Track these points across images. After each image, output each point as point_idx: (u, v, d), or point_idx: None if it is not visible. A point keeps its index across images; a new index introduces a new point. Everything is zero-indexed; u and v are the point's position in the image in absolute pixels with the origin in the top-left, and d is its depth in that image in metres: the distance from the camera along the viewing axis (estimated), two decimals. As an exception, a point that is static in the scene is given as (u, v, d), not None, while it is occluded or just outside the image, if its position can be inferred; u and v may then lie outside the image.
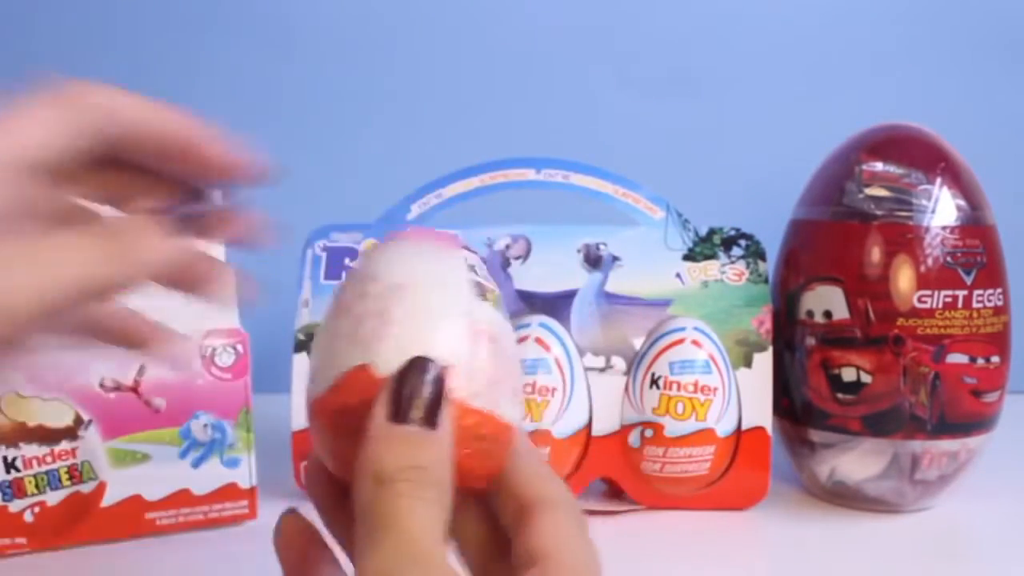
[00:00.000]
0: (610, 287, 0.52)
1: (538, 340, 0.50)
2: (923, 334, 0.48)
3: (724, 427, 0.50)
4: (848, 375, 0.49)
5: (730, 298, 0.52)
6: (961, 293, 0.48)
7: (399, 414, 0.23)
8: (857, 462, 0.50)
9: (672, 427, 0.50)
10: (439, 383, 0.24)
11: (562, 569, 0.23)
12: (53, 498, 0.44)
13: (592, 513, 0.49)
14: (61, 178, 0.27)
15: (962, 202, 0.49)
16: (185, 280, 0.30)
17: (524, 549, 0.24)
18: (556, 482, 0.26)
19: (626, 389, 0.51)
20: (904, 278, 0.48)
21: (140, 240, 0.26)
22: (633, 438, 0.50)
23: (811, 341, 0.50)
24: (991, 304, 0.49)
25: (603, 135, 0.73)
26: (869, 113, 0.53)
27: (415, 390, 0.23)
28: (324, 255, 0.53)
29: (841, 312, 0.49)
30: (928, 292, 0.47)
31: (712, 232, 0.53)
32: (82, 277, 0.25)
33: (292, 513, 0.28)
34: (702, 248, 0.52)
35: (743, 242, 0.52)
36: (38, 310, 0.24)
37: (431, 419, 0.23)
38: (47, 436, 0.44)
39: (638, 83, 0.76)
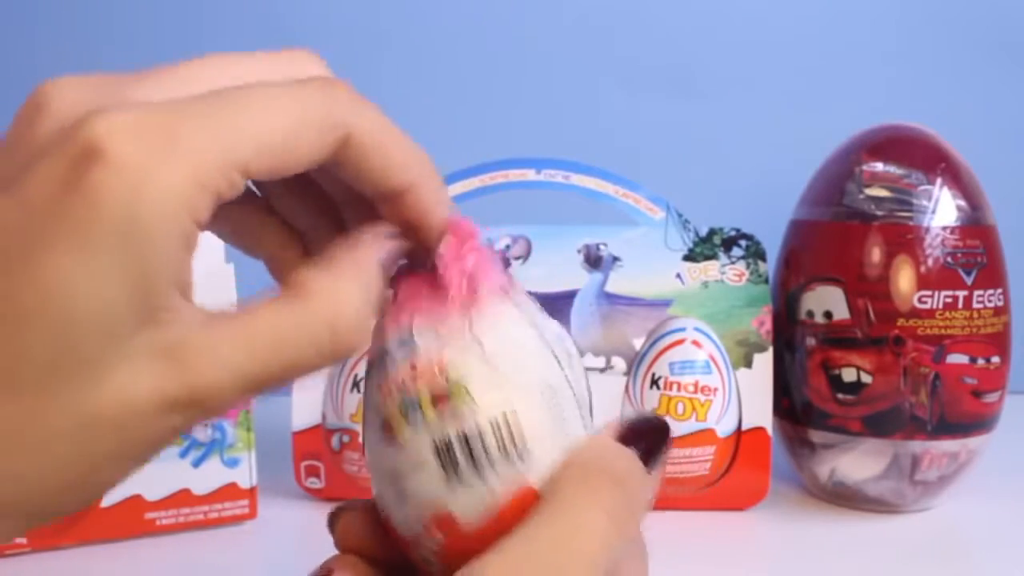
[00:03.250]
0: (610, 287, 0.52)
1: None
2: (923, 334, 0.47)
3: (724, 427, 0.50)
4: (848, 375, 0.49)
5: (730, 298, 0.52)
6: (961, 293, 0.48)
7: (626, 439, 0.23)
8: (857, 462, 0.50)
9: (672, 427, 0.49)
10: (665, 436, 0.24)
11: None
12: (53, 498, 0.44)
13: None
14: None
15: (962, 202, 0.49)
16: None
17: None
18: None
19: (626, 390, 0.51)
20: (904, 278, 0.48)
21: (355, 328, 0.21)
22: (633, 438, 0.50)
23: (811, 341, 0.50)
24: (991, 304, 0.49)
25: (603, 135, 0.73)
26: (869, 113, 0.53)
27: (643, 431, 0.24)
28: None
29: (841, 312, 0.49)
30: (928, 292, 0.47)
31: (712, 232, 0.53)
32: (290, 367, 0.20)
33: (348, 510, 0.25)
34: (702, 248, 0.52)
35: (743, 242, 0.52)
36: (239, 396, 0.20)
37: (648, 460, 0.23)
38: (47, 436, 0.44)
39: (638, 83, 0.76)
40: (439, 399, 0.22)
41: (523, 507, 0.21)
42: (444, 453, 0.22)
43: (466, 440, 0.22)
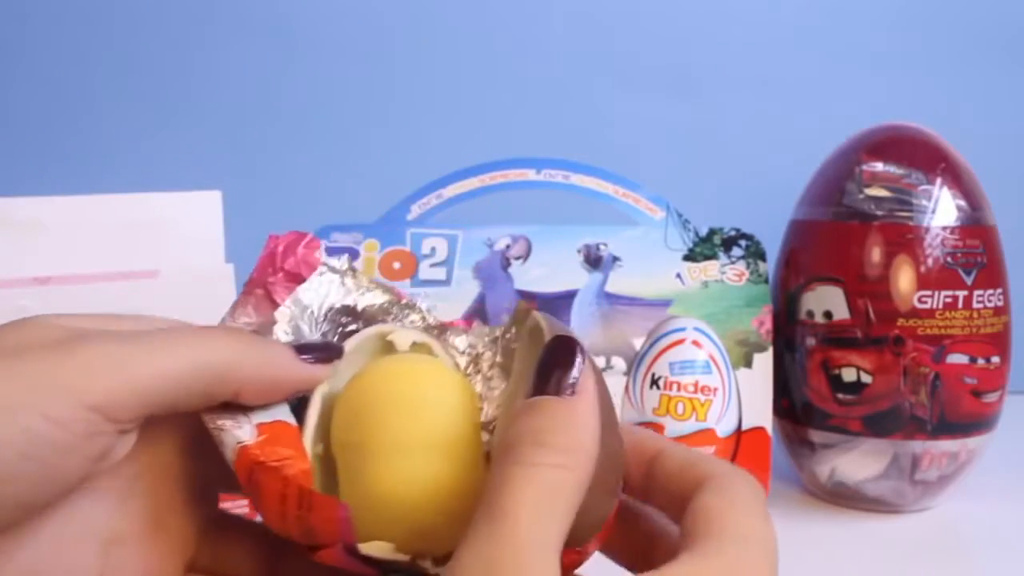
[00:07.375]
0: (610, 287, 0.52)
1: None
2: (923, 334, 0.47)
3: (724, 427, 0.50)
4: (848, 375, 0.49)
5: (730, 298, 0.52)
6: (961, 293, 0.48)
7: (537, 387, 0.21)
8: (857, 462, 0.50)
9: (672, 427, 0.50)
10: (572, 351, 0.22)
11: (736, 540, 0.21)
12: (53, 498, 0.44)
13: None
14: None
15: (962, 202, 0.49)
16: None
17: (690, 523, 0.22)
18: (718, 460, 0.24)
19: (626, 389, 0.51)
20: (904, 278, 0.48)
21: None
22: (633, 438, 0.50)
23: (811, 341, 0.50)
24: (991, 304, 0.49)
25: (603, 135, 0.73)
26: (869, 113, 0.53)
27: (554, 364, 0.22)
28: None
29: (841, 312, 0.49)
30: (928, 292, 0.47)
31: (712, 232, 0.53)
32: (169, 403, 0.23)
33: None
34: (702, 248, 0.52)
35: (743, 242, 0.52)
36: None
37: (560, 384, 0.21)
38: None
39: (638, 83, 0.76)
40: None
41: None
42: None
43: None
